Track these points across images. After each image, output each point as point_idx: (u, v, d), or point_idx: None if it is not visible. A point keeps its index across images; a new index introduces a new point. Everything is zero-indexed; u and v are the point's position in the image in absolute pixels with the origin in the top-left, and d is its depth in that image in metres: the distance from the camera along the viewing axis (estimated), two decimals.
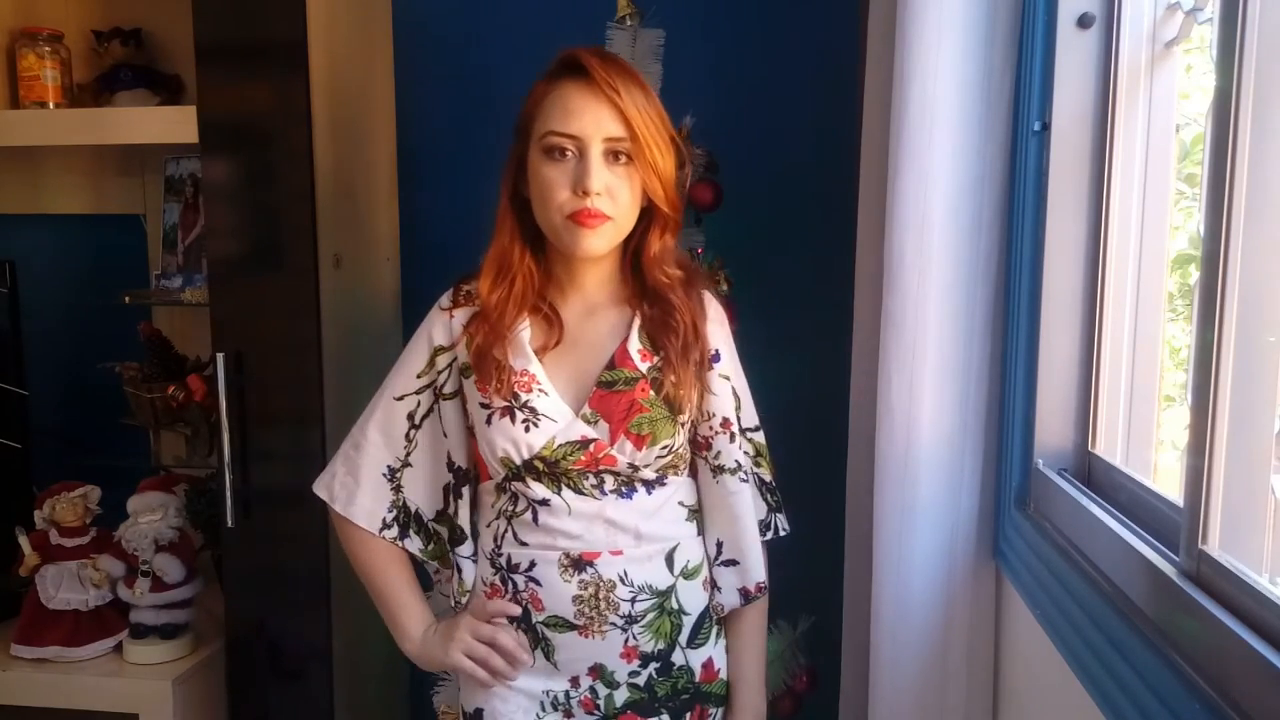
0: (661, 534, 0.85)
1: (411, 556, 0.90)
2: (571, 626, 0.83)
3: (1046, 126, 0.82)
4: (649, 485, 0.84)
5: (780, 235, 1.38)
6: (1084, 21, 0.80)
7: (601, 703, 0.85)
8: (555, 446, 0.81)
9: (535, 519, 0.83)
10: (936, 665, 0.90)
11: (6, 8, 1.31)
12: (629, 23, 1.17)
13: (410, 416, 0.88)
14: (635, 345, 0.83)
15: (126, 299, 1.32)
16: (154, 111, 1.26)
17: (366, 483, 0.87)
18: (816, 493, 1.17)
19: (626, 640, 0.83)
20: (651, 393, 0.82)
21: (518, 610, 0.83)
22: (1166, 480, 0.74)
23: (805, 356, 1.35)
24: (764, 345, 1.18)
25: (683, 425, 0.84)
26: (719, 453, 0.87)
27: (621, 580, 0.82)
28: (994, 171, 0.86)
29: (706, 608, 0.88)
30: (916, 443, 0.87)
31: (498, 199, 0.86)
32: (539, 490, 0.82)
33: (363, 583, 0.90)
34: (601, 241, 0.81)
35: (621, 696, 0.85)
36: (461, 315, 0.86)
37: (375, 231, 1.36)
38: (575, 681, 0.85)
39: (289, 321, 1.15)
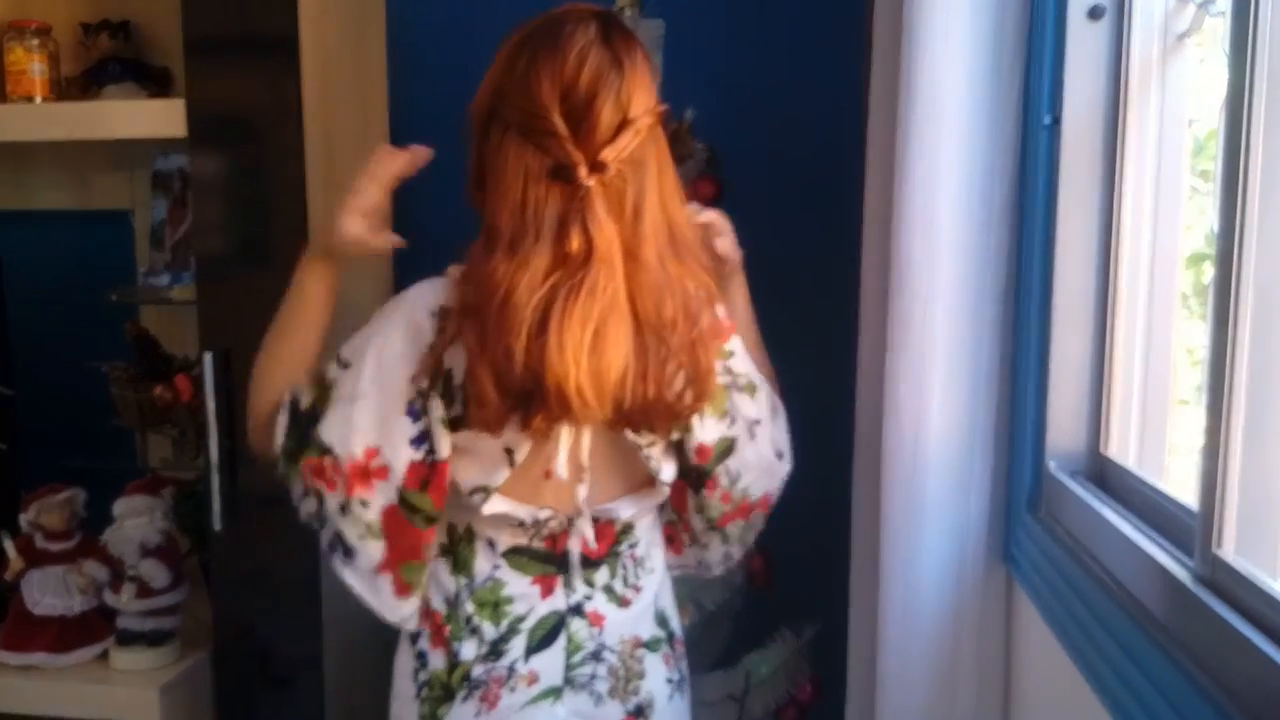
0: None
1: None
2: None
3: (1057, 120, 0.81)
4: None
5: (784, 231, 1.37)
6: (1095, 13, 0.79)
7: None
8: None
9: None
10: (946, 673, 0.89)
11: None
12: (628, 13, 1.15)
13: None
14: None
15: (113, 297, 1.30)
16: (141, 105, 1.24)
17: None
18: (821, 496, 1.16)
19: None
20: None
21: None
22: (1180, 484, 0.73)
23: (809, 355, 1.33)
24: (766, 345, 1.16)
25: None
26: None
27: None
28: (1003, 166, 0.85)
29: None
30: (925, 444, 0.86)
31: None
32: None
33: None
34: None
35: None
36: None
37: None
38: None
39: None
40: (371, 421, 0.71)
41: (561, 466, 0.73)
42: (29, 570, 1.19)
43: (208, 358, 1.10)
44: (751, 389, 0.81)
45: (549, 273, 0.66)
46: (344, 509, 0.72)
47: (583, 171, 0.67)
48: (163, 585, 1.18)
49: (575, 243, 0.66)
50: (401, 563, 0.74)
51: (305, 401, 0.74)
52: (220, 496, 1.11)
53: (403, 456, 0.71)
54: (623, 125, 0.68)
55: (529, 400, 0.67)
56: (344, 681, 1.23)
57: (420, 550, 0.75)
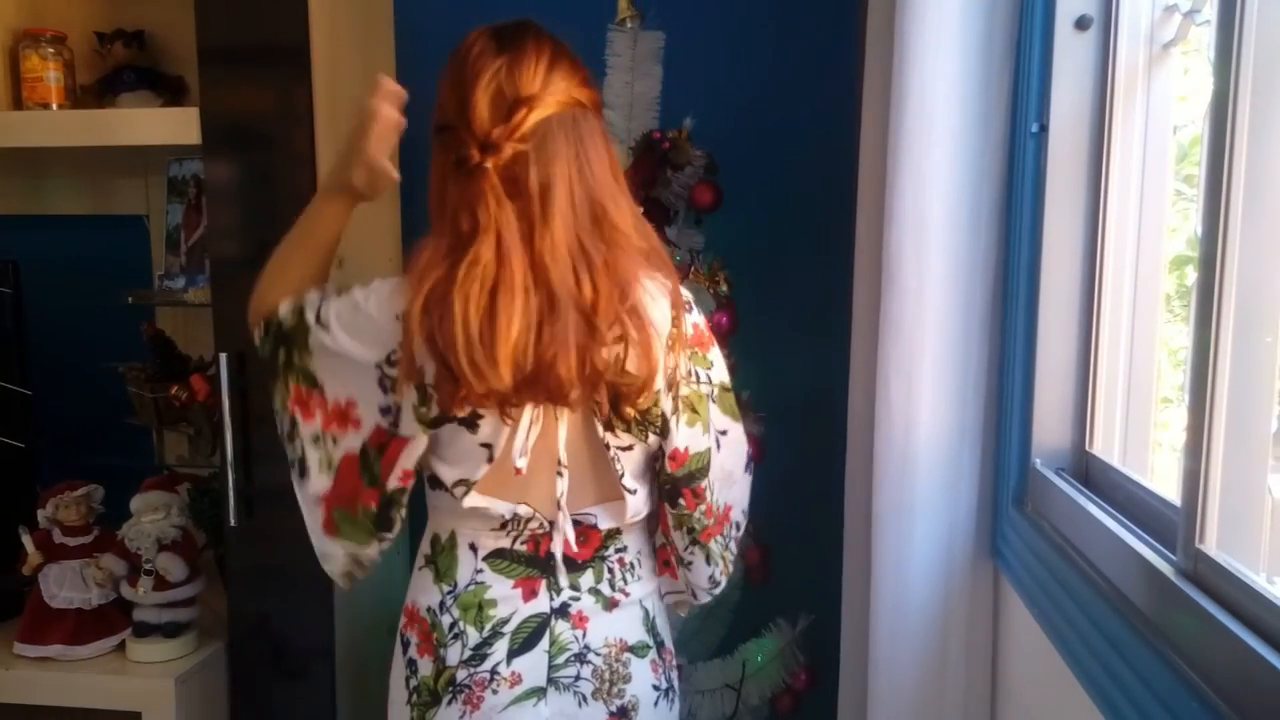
0: None
1: None
2: None
3: (1044, 128, 0.82)
4: None
5: (780, 236, 1.39)
6: (1082, 23, 0.81)
7: None
8: None
9: None
10: (935, 664, 0.91)
11: (10, 9, 1.31)
12: (629, 25, 1.17)
13: None
14: None
15: (130, 299, 1.33)
16: (157, 113, 1.27)
17: None
18: (815, 491, 1.18)
19: None
20: None
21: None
22: (1163, 481, 0.74)
23: (804, 356, 1.36)
24: (764, 345, 1.18)
25: None
26: None
27: None
28: (992, 172, 0.86)
29: None
30: (915, 442, 0.88)
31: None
32: None
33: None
34: None
35: None
36: None
37: (377, 232, 1.36)
38: None
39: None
40: (353, 380, 0.77)
41: (518, 455, 0.75)
42: (47, 564, 1.22)
43: (223, 358, 1.12)
44: (725, 398, 0.82)
45: (449, 251, 0.71)
46: (317, 439, 0.78)
47: (474, 154, 0.70)
48: (179, 578, 1.20)
49: (465, 223, 0.71)
50: (336, 504, 0.79)
51: (288, 323, 0.79)
52: (235, 492, 1.13)
53: (372, 418, 0.77)
54: (515, 106, 0.70)
55: (451, 370, 0.70)
56: (355, 672, 1.25)
57: (354, 503, 0.78)
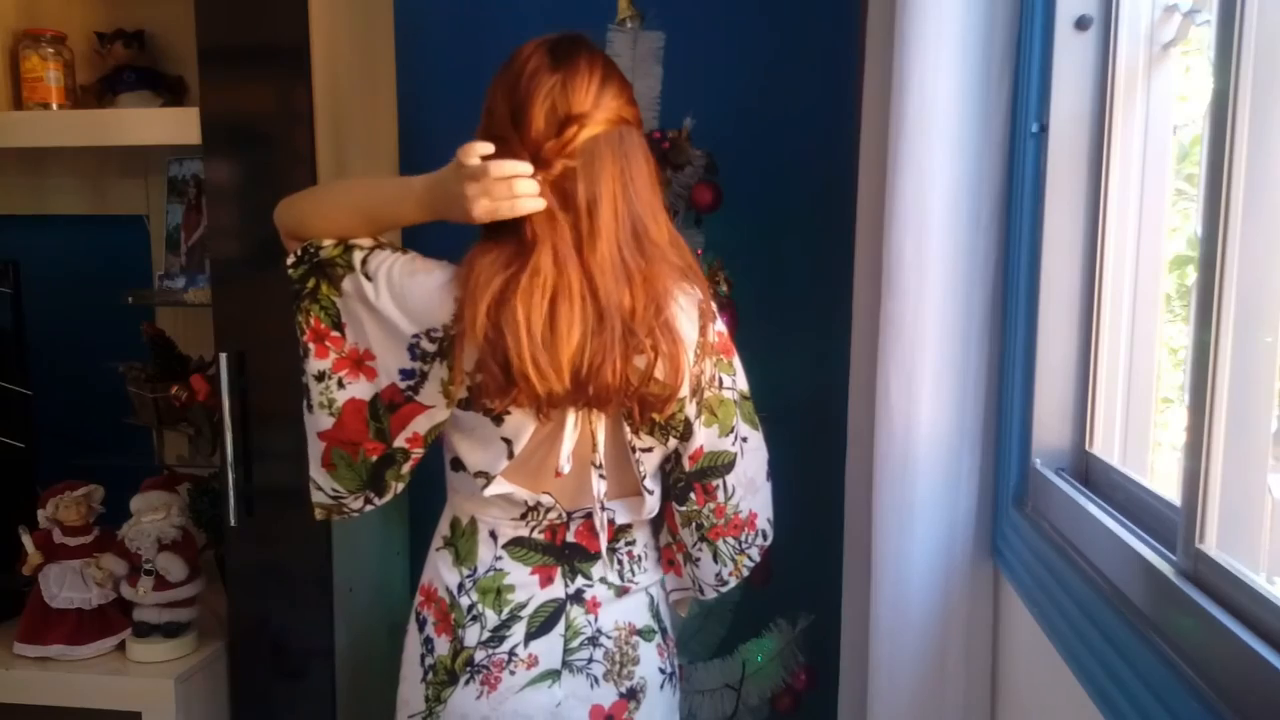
0: None
1: None
2: None
3: (1044, 128, 0.82)
4: None
5: (780, 236, 1.39)
6: (1082, 23, 0.81)
7: None
8: None
9: None
10: (935, 664, 0.91)
11: (9, 9, 1.31)
12: (629, 25, 1.17)
13: None
14: None
15: (130, 299, 1.33)
16: (157, 113, 1.27)
17: None
18: (816, 491, 1.18)
19: None
20: None
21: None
22: (1163, 481, 0.74)
23: (805, 356, 1.36)
24: (764, 345, 1.18)
25: None
26: None
27: None
28: (992, 173, 0.86)
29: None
30: (915, 442, 0.88)
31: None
32: None
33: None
34: None
35: None
36: None
37: None
38: None
39: (291, 321, 1.15)
40: (377, 337, 0.77)
41: (564, 460, 0.77)
42: (47, 564, 1.21)
43: (223, 358, 1.12)
44: (745, 406, 0.84)
45: (510, 260, 0.73)
46: (321, 376, 0.78)
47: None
48: (179, 579, 1.20)
49: (525, 233, 0.73)
50: (336, 444, 0.79)
51: (328, 253, 0.78)
52: (235, 492, 1.13)
53: (389, 376, 0.77)
54: (567, 122, 0.72)
55: (508, 372, 0.72)
56: (355, 672, 1.26)
57: (356, 447, 0.79)
